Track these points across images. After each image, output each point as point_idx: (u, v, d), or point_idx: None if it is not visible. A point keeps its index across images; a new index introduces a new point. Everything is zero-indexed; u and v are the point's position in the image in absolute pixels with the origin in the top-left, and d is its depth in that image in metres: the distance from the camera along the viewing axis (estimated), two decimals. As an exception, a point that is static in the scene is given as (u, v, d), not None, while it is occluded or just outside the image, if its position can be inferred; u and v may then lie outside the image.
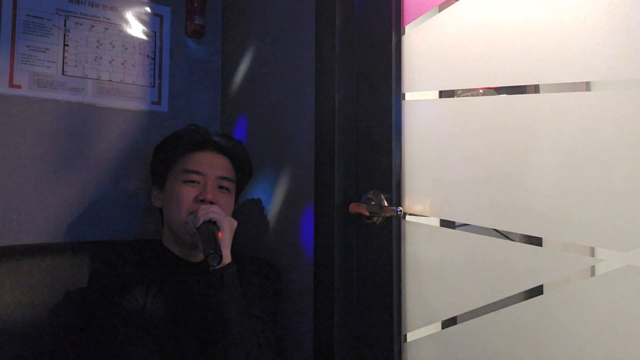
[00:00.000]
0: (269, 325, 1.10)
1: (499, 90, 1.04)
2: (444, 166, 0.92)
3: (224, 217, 1.04)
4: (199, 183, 1.11)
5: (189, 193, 1.09)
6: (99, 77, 1.41)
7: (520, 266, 0.79)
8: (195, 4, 1.53)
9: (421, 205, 0.96)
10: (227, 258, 1.00)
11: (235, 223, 1.07)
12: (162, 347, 1.00)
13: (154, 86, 1.49)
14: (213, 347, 0.96)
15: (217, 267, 0.97)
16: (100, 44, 1.42)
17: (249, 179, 1.27)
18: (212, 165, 1.13)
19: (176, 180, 1.12)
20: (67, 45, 1.37)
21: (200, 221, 1.01)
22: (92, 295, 1.06)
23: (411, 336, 0.97)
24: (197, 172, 1.11)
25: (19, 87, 1.29)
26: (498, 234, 0.91)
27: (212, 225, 1.02)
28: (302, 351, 1.16)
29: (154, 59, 1.50)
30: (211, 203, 1.07)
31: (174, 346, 1.02)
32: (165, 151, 1.19)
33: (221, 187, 1.13)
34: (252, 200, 1.39)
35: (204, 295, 0.99)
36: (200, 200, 1.08)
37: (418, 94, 1.01)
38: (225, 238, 1.02)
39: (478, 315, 0.85)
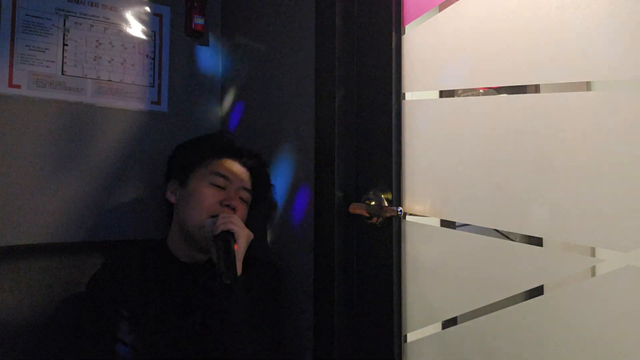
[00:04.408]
0: (267, 329, 1.10)
1: (499, 90, 1.04)
2: (444, 166, 0.92)
3: (241, 229, 1.05)
4: (224, 188, 1.13)
5: (214, 196, 1.11)
6: (99, 77, 1.41)
7: (521, 266, 0.79)
8: (195, 4, 1.53)
9: (421, 205, 0.96)
10: (238, 270, 1.01)
11: (251, 236, 1.07)
12: (160, 351, 1.00)
13: (153, 86, 1.49)
14: (211, 350, 0.96)
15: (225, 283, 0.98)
16: (100, 44, 1.42)
17: (265, 197, 1.28)
18: (238, 175, 1.16)
19: (202, 181, 1.13)
20: (67, 45, 1.37)
21: (219, 230, 1.02)
22: (90, 302, 1.06)
23: (411, 336, 0.97)
24: (225, 177, 1.13)
25: (19, 87, 1.29)
26: (498, 234, 0.90)
27: (230, 236, 1.02)
28: (302, 351, 1.16)
29: (153, 59, 1.50)
30: (233, 209, 1.10)
31: (172, 351, 1.02)
32: (194, 149, 1.21)
33: (240, 198, 1.16)
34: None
35: (208, 302, 0.99)
36: (225, 206, 1.09)
37: (418, 94, 1.01)
38: (240, 251, 1.03)
39: (478, 316, 0.85)
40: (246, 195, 1.17)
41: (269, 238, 1.33)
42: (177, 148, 1.25)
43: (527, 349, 0.77)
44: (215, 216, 1.07)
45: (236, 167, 1.17)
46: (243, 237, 1.04)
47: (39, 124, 1.31)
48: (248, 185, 1.18)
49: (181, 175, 1.18)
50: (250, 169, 1.21)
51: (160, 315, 1.04)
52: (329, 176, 1.08)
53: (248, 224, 1.12)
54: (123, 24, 1.46)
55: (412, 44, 1.00)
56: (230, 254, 0.98)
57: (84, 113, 1.37)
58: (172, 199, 1.19)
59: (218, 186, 1.13)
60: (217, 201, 1.10)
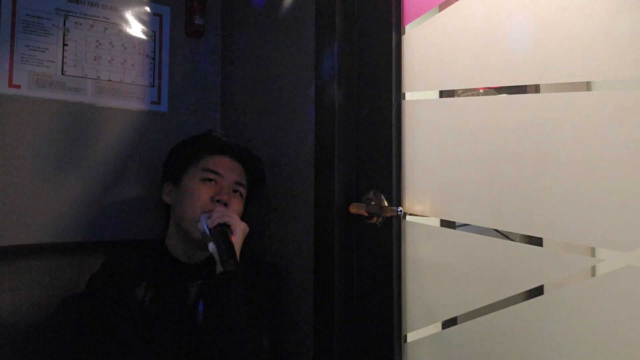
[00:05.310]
0: (267, 328, 1.10)
1: (499, 90, 1.04)
2: (444, 166, 0.92)
3: (238, 222, 1.05)
4: (216, 183, 1.13)
5: (206, 191, 1.11)
6: (99, 77, 1.41)
7: (521, 266, 0.79)
8: (195, 4, 1.53)
9: (421, 205, 0.96)
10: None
11: (247, 229, 1.08)
12: (158, 351, 1.01)
13: (153, 86, 1.49)
14: (210, 349, 0.96)
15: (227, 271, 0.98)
16: (100, 44, 1.42)
17: (260, 191, 1.29)
18: (230, 170, 1.16)
19: (194, 178, 1.14)
20: (67, 45, 1.37)
21: (215, 222, 1.02)
22: (89, 302, 1.06)
23: (411, 336, 0.97)
24: (216, 173, 1.14)
25: (19, 87, 1.29)
26: (498, 234, 0.91)
27: (226, 228, 1.02)
28: (302, 351, 1.16)
29: (153, 59, 1.50)
30: (225, 205, 1.10)
31: (171, 350, 1.02)
32: (186, 149, 1.21)
33: (235, 191, 1.16)
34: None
35: (206, 298, 0.99)
36: (217, 201, 1.10)
37: (418, 94, 1.01)
38: (237, 243, 1.03)
39: (478, 316, 0.85)
40: (241, 188, 1.17)
41: (268, 238, 1.33)
42: (171, 150, 1.25)
43: (527, 349, 0.77)
44: (209, 212, 1.08)
45: (227, 162, 1.17)
46: (239, 229, 1.05)
47: (39, 124, 1.31)
48: (242, 179, 1.18)
49: (175, 176, 1.19)
50: (243, 163, 1.21)
51: (159, 314, 1.04)
52: (329, 176, 1.08)
53: (247, 222, 1.12)
54: (123, 24, 1.46)
55: (412, 44, 1.00)
56: (229, 243, 0.99)
57: (84, 113, 1.37)
58: (168, 199, 1.19)
59: (210, 182, 1.13)
60: (209, 197, 1.10)
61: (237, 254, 1.02)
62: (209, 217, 1.05)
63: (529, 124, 0.79)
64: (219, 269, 1.00)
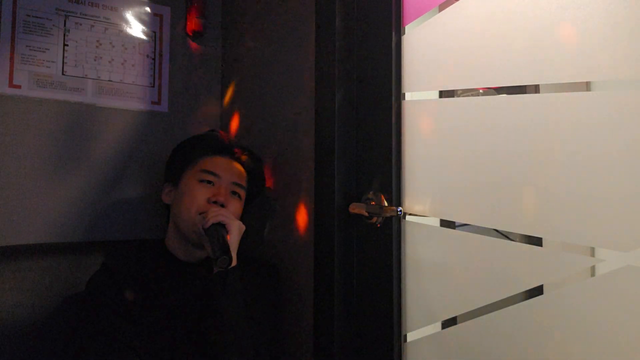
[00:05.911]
0: (266, 329, 1.10)
1: (499, 90, 1.04)
2: (444, 166, 0.92)
3: (232, 220, 1.05)
4: (213, 184, 1.13)
5: (202, 193, 1.11)
6: (99, 77, 1.41)
7: (520, 266, 0.79)
8: (195, 4, 1.54)
9: (421, 205, 0.96)
10: (233, 261, 1.01)
11: (243, 227, 1.08)
12: (158, 350, 1.01)
13: (153, 86, 1.49)
14: (209, 349, 0.96)
15: (224, 269, 0.98)
16: (100, 44, 1.42)
17: (260, 192, 1.29)
18: (228, 170, 1.16)
19: (192, 179, 1.14)
20: (67, 45, 1.37)
21: (209, 223, 1.02)
22: (89, 302, 1.06)
23: (411, 336, 0.97)
24: (213, 174, 1.13)
25: (19, 87, 1.29)
26: (498, 234, 0.91)
27: (221, 227, 1.03)
28: (302, 351, 1.16)
29: (153, 59, 1.50)
30: (222, 205, 1.10)
31: (171, 349, 1.02)
32: (185, 150, 1.21)
33: (233, 192, 1.15)
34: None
35: (204, 297, 0.99)
36: (213, 202, 1.10)
37: (418, 94, 1.01)
38: (233, 241, 1.04)
39: (478, 316, 0.85)
40: (239, 189, 1.17)
41: (268, 238, 1.33)
42: (172, 151, 1.26)
43: (527, 349, 0.77)
44: (204, 212, 1.08)
45: (226, 163, 1.17)
46: (234, 227, 1.05)
47: (39, 124, 1.31)
48: (240, 180, 1.18)
49: (174, 176, 1.19)
50: (243, 164, 1.21)
51: (159, 314, 1.04)
52: (329, 176, 1.08)
53: (247, 222, 1.12)
54: (123, 24, 1.46)
55: (412, 44, 1.00)
56: (223, 242, 0.99)
57: (84, 113, 1.38)
58: (167, 200, 1.20)
59: (207, 183, 1.13)
60: (205, 198, 1.10)
61: (234, 253, 1.02)
62: (204, 218, 1.05)
63: (528, 124, 0.79)
64: (215, 268, 1.00)
